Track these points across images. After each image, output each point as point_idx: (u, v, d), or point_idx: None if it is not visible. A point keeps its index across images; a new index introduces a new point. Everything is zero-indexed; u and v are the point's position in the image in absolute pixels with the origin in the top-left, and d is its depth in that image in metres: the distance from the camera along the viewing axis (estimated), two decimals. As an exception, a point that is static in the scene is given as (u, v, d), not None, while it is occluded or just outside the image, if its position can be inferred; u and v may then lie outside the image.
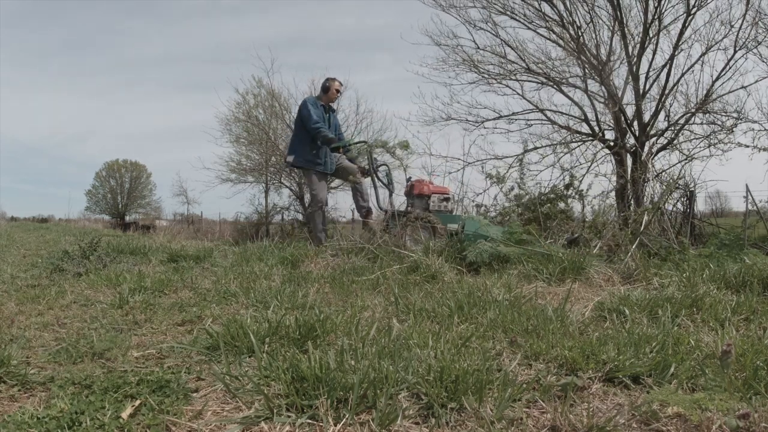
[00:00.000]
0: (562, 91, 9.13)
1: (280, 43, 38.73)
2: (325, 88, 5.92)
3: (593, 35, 9.01)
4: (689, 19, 8.02)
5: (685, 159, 8.19)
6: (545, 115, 9.43)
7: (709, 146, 8.11)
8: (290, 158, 5.77)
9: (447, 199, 5.59)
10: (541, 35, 9.18)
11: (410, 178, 5.76)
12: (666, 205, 6.97)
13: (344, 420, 1.17)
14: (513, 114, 9.54)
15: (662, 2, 8.15)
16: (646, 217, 4.60)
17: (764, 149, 7.72)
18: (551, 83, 9.13)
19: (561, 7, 8.80)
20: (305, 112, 5.64)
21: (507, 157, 9.61)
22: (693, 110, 8.19)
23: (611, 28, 8.99)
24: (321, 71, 21.63)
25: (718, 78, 8.05)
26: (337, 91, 6.05)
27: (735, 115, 8.04)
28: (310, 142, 5.63)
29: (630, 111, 8.67)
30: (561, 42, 9.08)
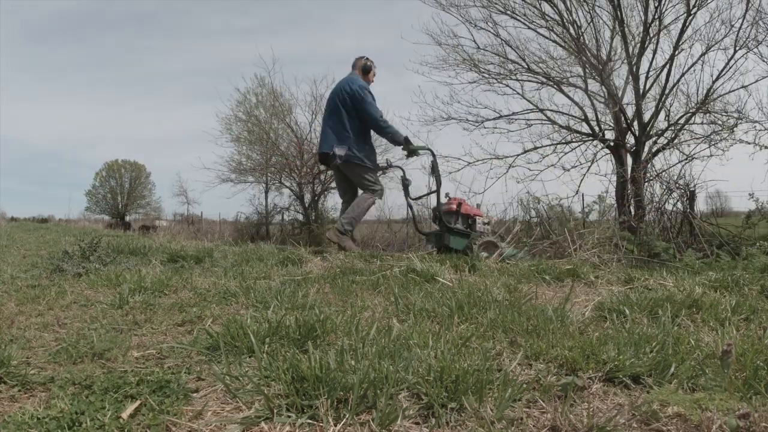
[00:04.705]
0: (562, 91, 9.14)
1: (286, 60, 40.39)
2: (366, 69, 5.03)
3: (594, 35, 9.03)
4: (690, 18, 8.03)
5: (685, 159, 8.19)
6: (545, 115, 9.45)
7: (710, 146, 8.12)
8: (340, 151, 4.84)
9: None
10: (541, 35, 9.21)
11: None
12: (666, 204, 6.98)
13: (344, 420, 1.17)
14: (513, 114, 9.56)
15: (663, 2, 8.16)
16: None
17: (766, 147, 7.72)
18: (551, 83, 9.14)
19: (561, 7, 8.81)
20: (369, 102, 4.77)
21: (507, 156, 9.64)
22: (693, 110, 8.19)
23: (612, 27, 9.00)
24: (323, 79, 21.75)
25: (718, 78, 8.07)
26: (374, 75, 5.15)
27: (735, 114, 8.04)
28: (365, 134, 4.91)
29: (630, 111, 8.68)
30: (561, 42, 9.09)
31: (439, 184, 5.31)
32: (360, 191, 5.08)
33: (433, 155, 5.38)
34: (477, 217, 5.35)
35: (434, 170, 5.30)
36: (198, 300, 2.62)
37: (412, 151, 5.18)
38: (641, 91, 8.53)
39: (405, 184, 5.37)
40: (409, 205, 5.44)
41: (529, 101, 9.50)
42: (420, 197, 6.05)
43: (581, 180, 9.08)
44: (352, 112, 4.84)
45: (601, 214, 7.21)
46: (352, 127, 4.86)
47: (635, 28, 8.70)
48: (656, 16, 8.21)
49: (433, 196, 5.41)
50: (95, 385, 1.39)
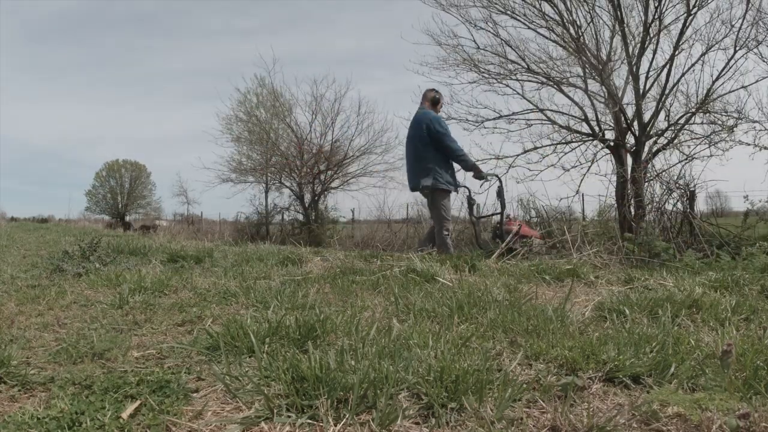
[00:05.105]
0: (562, 91, 9.13)
1: (286, 60, 40.82)
2: (435, 101, 5.44)
3: (594, 35, 9.01)
4: (690, 18, 8.02)
5: (685, 159, 8.18)
6: (545, 115, 9.43)
7: (710, 146, 8.11)
8: (426, 182, 5.16)
9: None
10: (541, 35, 9.19)
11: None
12: (666, 204, 6.98)
13: (344, 420, 1.17)
14: (513, 114, 9.54)
15: (663, 2, 8.14)
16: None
17: (765, 147, 7.72)
18: (551, 83, 9.13)
19: (561, 7, 8.80)
20: (443, 133, 5.15)
21: (507, 156, 9.63)
22: (693, 110, 8.18)
23: (612, 28, 8.99)
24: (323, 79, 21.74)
25: (718, 78, 8.05)
26: (442, 106, 5.79)
27: (735, 114, 8.04)
28: (446, 161, 5.25)
29: (630, 111, 8.67)
30: (561, 42, 9.08)
31: (503, 207, 5.79)
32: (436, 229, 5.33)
33: (500, 181, 5.81)
34: (534, 237, 5.76)
35: (500, 195, 5.77)
36: (198, 300, 2.62)
37: (481, 177, 5.56)
38: (641, 91, 8.51)
39: (470, 203, 5.86)
40: (473, 223, 6.03)
41: (529, 101, 9.48)
42: (483, 217, 6.55)
43: (581, 180, 9.07)
44: (430, 144, 5.18)
45: (601, 215, 7.22)
46: (433, 157, 5.19)
47: (635, 28, 8.68)
48: (656, 16, 8.19)
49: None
50: (95, 385, 1.39)
